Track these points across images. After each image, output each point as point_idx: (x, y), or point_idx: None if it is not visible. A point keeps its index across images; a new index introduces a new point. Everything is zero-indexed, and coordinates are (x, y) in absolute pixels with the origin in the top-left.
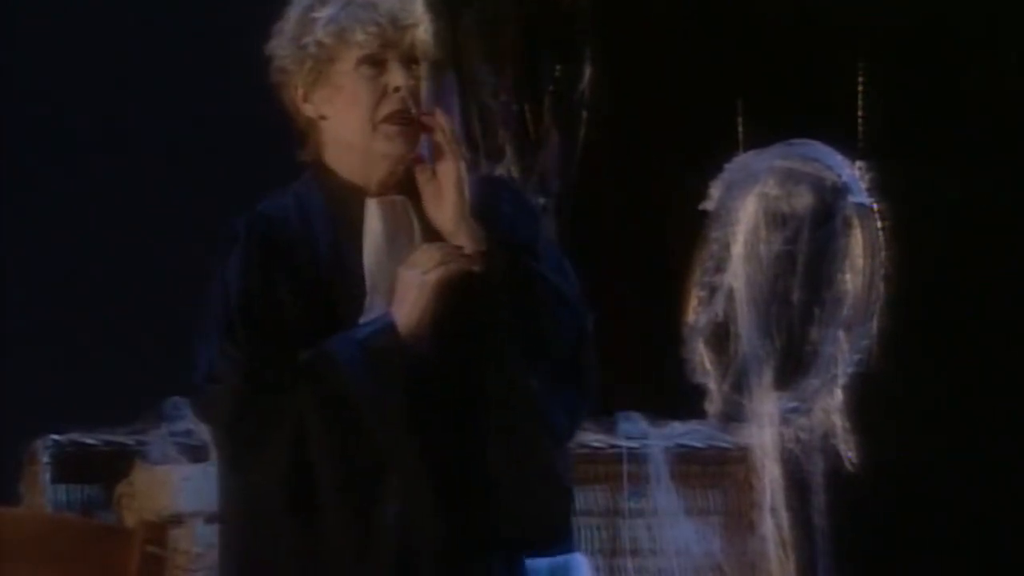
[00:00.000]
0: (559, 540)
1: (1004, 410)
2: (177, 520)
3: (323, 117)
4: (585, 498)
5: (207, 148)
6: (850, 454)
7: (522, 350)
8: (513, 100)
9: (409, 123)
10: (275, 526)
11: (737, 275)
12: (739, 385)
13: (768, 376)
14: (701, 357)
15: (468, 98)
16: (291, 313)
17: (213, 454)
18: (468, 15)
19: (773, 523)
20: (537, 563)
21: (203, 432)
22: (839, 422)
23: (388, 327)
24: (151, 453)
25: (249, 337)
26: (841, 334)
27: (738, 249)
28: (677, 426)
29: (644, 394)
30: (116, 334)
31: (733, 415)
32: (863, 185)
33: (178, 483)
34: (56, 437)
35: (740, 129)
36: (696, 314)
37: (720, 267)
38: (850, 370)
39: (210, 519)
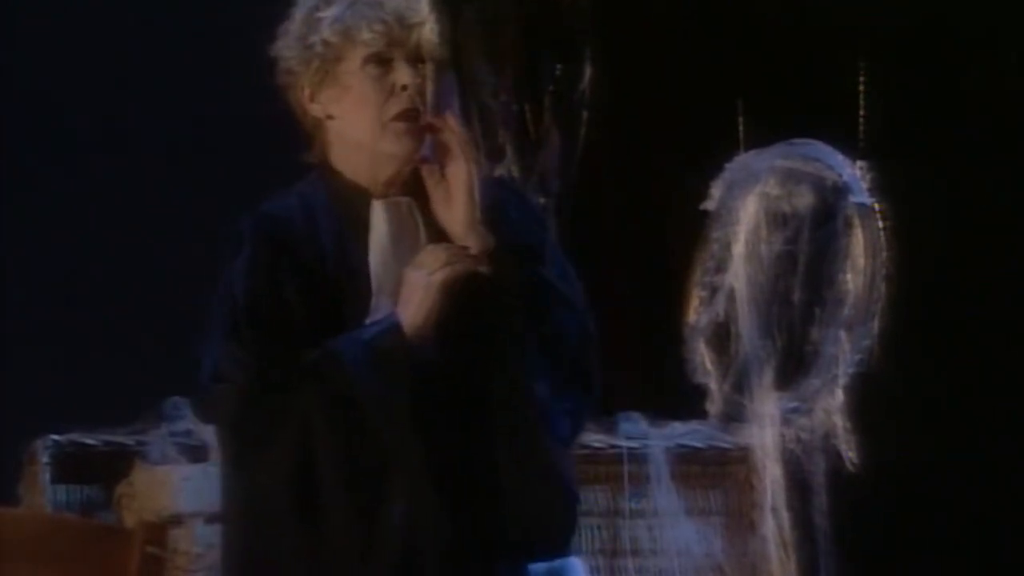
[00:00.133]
0: (563, 544)
1: (1004, 410)
2: (177, 520)
3: (330, 117)
4: (586, 498)
5: (207, 148)
6: (851, 454)
7: (527, 353)
8: (513, 100)
9: (417, 121)
10: (280, 526)
11: (738, 275)
12: (740, 385)
13: (769, 376)
14: (702, 357)
15: (468, 98)
16: (297, 313)
17: (213, 454)
18: (468, 15)
19: (774, 523)
20: (534, 567)
21: (203, 432)
22: (840, 422)
23: (394, 327)
24: (151, 453)
25: (255, 337)
26: (842, 334)
27: (739, 249)
28: (678, 426)
29: (645, 394)
30: (116, 334)
31: (734, 415)
32: (864, 185)
33: (178, 483)
34: (56, 437)
35: (741, 129)
36: (697, 314)
37: (721, 267)
38: (851, 370)
39: (210, 519)
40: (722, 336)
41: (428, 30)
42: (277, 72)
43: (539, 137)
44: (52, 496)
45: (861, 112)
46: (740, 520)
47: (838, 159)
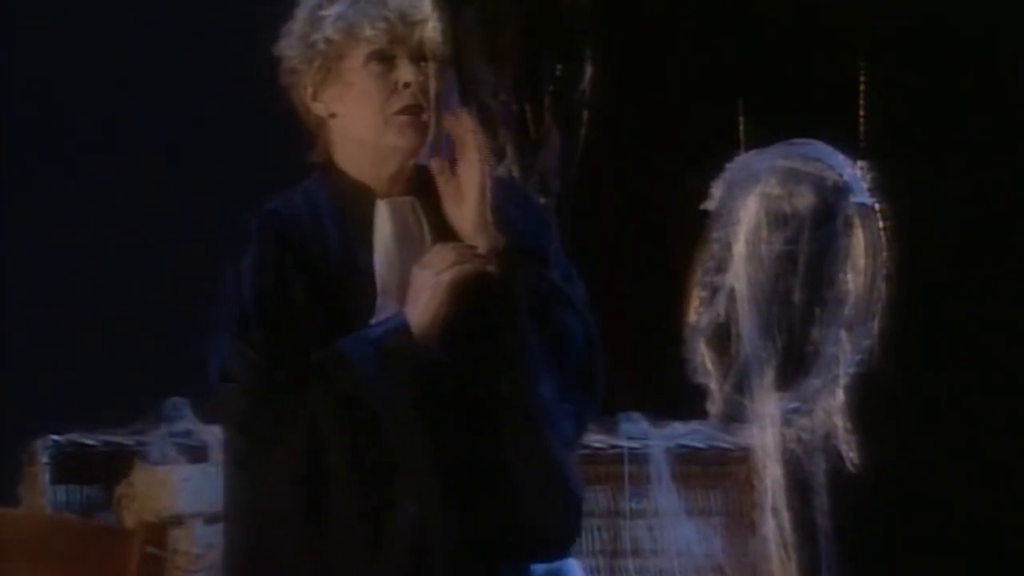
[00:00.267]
0: (566, 546)
1: (1005, 410)
2: (177, 521)
3: (333, 115)
4: (586, 499)
5: (207, 148)
6: (851, 454)
7: (532, 354)
8: (513, 100)
9: (419, 116)
10: (286, 526)
11: (738, 275)
12: (740, 385)
13: (769, 376)
14: (702, 357)
15: (468, 97)
16: (304, 312)
17: (213, 454)
18: (468, 14)
19: (775, 524)
20: (533, 568)
21: (203, 432)
22: (840, 422)
23: (401, 327)
24: (151, 454)
25: (263, 336)
26: (843, 334)
27: (739, 249)
28: (678, 426)
29: (645, 394)
30: (116, 334)
31: (734, 415)
32: (865, 185)
33: (178, 484)
34: (56, 438)
35: (741, 128)
36: (697, 314)
37: (721, 267)
38: (851, 370)
39: (210, 520)
40: (722, 336)
41: (431, 28)
42: (280, 71)
43: (539, 137)
44: (52, 497)
45: (861, 112)
46: (741, 520)
47: (838, 159)
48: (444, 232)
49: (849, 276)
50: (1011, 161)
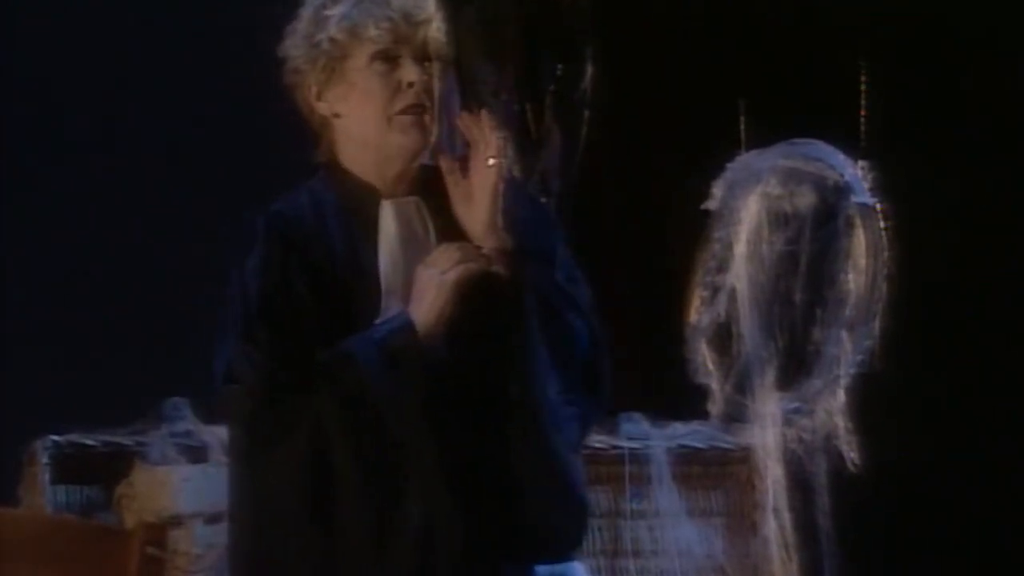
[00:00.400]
0: (571, 547)
1: (1004, 410)
2: (177, 521)
3: (337, 115)
4: None
5: (207, 148)
6: (852, 455)
7: (538, 355)
8: (514, 99)
9: (423, 116)
10: (291, 527)
11: (739, 275)
12: (741, 386)
13: (770, 377)
14: (703, 357)
15: (468, 97)
16: (309, 312)
17: (213, 455)
18: (469, 14)
19: (776, 524)
20: (538, 569)
21: (203, 433)
22: (841, 423)
23: (406, 326)
24: (151, 454)
25: (268, 337)
26: (844, 334)
27: (740, 249)
28: (679, 427)
29: (646, 395)
30: (116, 334)
31: (735, 416)
32: (865, 185)
33: (178, 484)
34: (56, 438)
35: (742, 128)
36: (698, 314)
37: (722, 267)
38: (852, 371)
39: (210, 520)
40: (723, 336)
41: (435, 28)
42: (284, 71)
43: (540, 137)
44: (52, 497)
45: (862, 112)
46: (742, 521)
47: (839, 159)
48: (449, 232)
49: (850, 276)
50: (1011, 161)
